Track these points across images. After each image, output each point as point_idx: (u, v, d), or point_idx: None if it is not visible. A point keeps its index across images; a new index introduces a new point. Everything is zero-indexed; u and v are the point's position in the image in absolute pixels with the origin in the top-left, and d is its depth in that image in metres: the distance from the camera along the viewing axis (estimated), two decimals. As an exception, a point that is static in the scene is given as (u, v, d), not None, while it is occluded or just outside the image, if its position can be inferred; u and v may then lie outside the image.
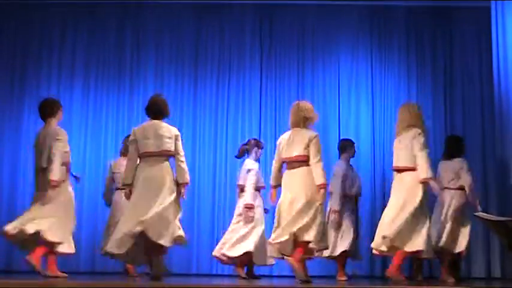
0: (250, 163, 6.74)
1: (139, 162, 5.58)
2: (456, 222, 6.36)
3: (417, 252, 5.62)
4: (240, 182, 6.72)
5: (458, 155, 6.62)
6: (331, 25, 8.43)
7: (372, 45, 8.38)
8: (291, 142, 5.65)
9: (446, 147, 6.77)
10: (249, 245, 6.37)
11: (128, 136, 6.99)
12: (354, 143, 7.08)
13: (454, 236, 6.34)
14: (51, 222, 5.75)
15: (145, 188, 5.43)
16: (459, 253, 6.37)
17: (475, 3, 8.03)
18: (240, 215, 6.60)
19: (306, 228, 5.42)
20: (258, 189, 6.69)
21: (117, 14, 8.47)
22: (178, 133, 5.64)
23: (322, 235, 5.52)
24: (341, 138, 7.49)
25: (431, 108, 8.17)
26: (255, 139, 7.01)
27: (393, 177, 5.87)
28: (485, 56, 8.00)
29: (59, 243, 5.77)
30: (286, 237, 5.43)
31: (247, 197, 6.57)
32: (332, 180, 6.66)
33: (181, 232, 5.43)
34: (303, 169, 5.56)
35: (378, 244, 5.66)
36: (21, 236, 5.73)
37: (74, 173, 6.19)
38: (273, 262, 6.52)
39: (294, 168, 5.60)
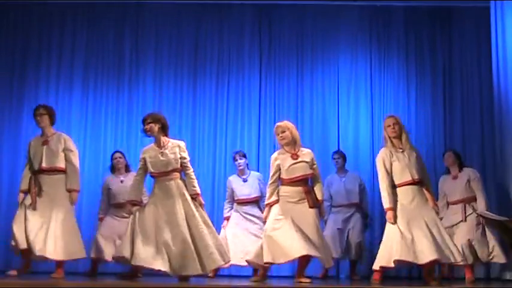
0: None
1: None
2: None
3: None
4: None
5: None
6: (330, 25, 8.44)
7: (371, 46, 8.38)
8: None
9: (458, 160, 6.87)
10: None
11: (118, 152, 7.21)
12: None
13: None
14: None
15: None
16: None
17: (475, 4, 8.06)
18: None
19: None
20: (239, 202, 6.99)
21: (116, 14, 8.48)
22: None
23: None
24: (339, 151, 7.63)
25: (430, 109, 8.21)
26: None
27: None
28: (484, 56, 8.00)
29: None
30: None
31: None
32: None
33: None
34: None
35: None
36: None
37: None
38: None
39: None
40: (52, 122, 6.20)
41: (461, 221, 6.60)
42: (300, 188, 5.69)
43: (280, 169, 5.74)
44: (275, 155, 5.86)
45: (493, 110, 7.46)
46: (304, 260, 5.64)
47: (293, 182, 5.71)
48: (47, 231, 5.83)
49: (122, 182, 6.97)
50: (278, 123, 5.91)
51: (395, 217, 5.64)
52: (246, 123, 8.27)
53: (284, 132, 5.77)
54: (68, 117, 8.25)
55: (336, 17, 8.44)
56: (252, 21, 8.49)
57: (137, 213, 5.62)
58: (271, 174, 5.81)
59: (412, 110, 8.26)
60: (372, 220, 7.58)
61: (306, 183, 5.75)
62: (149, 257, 5.43)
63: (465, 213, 6.62)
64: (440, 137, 8.13)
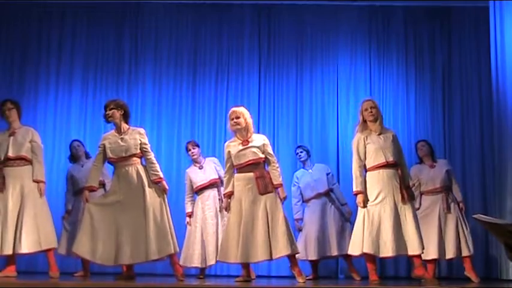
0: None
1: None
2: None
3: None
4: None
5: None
6: (329, 25, 8.44)
7: (371, 46, 8.39)
8: None
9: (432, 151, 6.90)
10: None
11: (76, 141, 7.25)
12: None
13: None
14: None
15: None
16: None
17: (474, 3, 8.07)
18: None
19: None
20: (198, 190, 6.80)
21: (115, 14, 8.49)
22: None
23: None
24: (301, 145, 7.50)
25: (429, 109, 8.21)
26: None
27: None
28: (483, 56, 7.99)
29: None
30: None
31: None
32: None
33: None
34: None
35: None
36: None
37: None
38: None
39: None
40: (20, 117, 6.26)
41: (444, 211, 6.61)
42: (251, 174, 5.60)
43: (231, 156, 5.69)
44: (226, 143, 5.83)
45: (492, 108, 7.46)
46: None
47: (243, 168, 5.64)
48: (18, 225, 5.89)
49: (82, 166, 6.97)
50: (234, 109, 5.80)
51: (364, 201, 5.62)
52: (245, 123, 8.26)
53: (238, 118, 5.69)
54: (68, 117, 8.26)
55: (335, 17, 8.44)
56: (252, 21, 8.49)
57: (93, 207, 5.60)
58: (224, 163, 5.79)
59: (411, 110, 8.26)
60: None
61: (258, 168, 5.64)
62: (107, 255, 5.50)
63: (447, 202, 6.63)
64: (439, 137, 8.12)
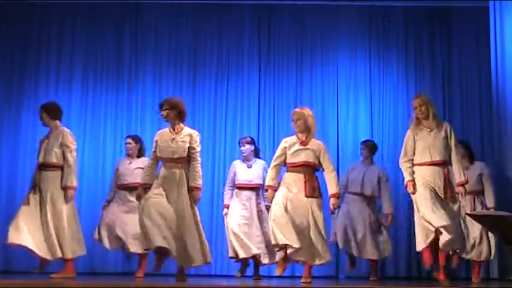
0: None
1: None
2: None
3: None
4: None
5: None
6: (329, 25, 8.45)
7: (371, 46, 8.39)
8: None
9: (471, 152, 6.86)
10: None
11: (129, 137, 7.11)
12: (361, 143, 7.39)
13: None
14: None
15: None
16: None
17: (474, 4, 8.07)
18: None
19: None
20: (240, 187, 6.76)
21: (115, 14, 8.48)
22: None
23: None
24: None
25: (429, 108, 8.20)
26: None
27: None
28: (483, 56, 8.01)
29: None
30: None
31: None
32: None
33: None
34: None
35: None
36: None
37: None
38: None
39: None
40: (53, 117, 6.18)
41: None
42: (301, 175, 5.66)
43: (285, 153, 5.73)
44: (286, 138, 5.87)
45: (492, 109, 7.47)
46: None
47: (295, 167, 5.69)
48: (44, 231, 5.88)
49: (129, 163, 6.93)
50: (296, 109, 5.91)
51: (413, 186, 5.62)
52: (245, 123, 8.27)
53: (299, 120, 5.77)
54: (68, 117, 8.23)
55: (335, 17, 8.45)
56: (251, 21, 8.49)
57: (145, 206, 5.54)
58: (275, 155, 5.80)
59: (411, 110, 8.23)
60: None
61: (309, 172, 5.70)
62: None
63: (474, 205, 6.61)
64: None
